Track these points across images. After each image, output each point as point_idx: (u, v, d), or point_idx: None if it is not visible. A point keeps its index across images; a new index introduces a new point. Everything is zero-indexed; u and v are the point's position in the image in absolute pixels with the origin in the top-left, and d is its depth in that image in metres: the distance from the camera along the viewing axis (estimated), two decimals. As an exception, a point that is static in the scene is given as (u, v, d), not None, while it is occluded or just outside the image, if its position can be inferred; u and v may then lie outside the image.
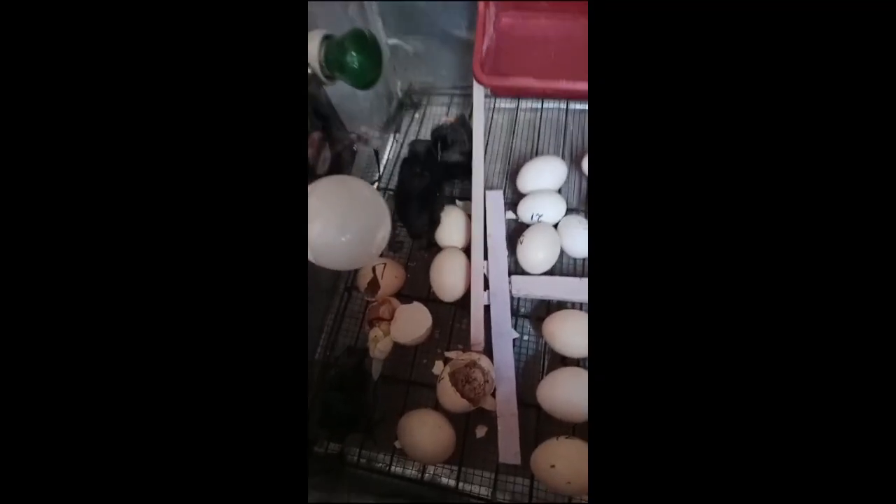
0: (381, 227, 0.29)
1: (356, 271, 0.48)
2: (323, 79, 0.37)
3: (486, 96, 0.54)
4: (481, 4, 0.46)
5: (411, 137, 0.59)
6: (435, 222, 0.47)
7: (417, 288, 0.48)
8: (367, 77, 0.37)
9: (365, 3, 0.50)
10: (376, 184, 0.55)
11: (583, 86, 0.44)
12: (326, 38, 0.36)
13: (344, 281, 0.50)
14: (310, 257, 0.28)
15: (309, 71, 0.36)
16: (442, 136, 0.50)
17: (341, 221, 0.28)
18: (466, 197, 0.49)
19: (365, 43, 0.36)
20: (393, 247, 0.52)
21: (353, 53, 0.35)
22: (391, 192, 0.53)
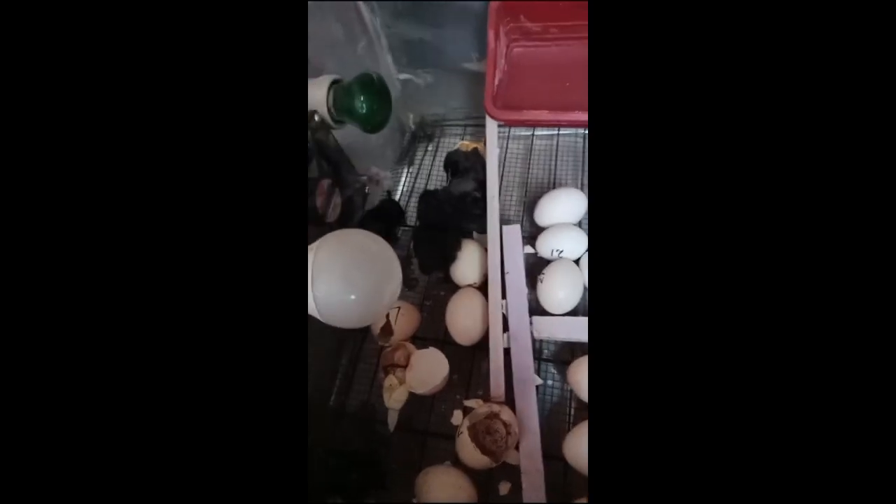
0: (391, 282, 0.28)
1: (370, 314, 0.46)
2: (332, 124, 0.36)
3: (499, 126, 0.53)
4: (491, 36, 0.44)
5: (425, 170, 0.58)
6: (448, 258, 0.46)
7: (433, 329, 0.46)
8: (375, 120, 0.36)
9: (374, 39, 0.50)
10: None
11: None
12: (334, 83, 0.35)
13: (358, 322, 0.49)
14: (317, 317, 0.27)
15: (317, 117, 0.35)
16: (454, 162, 0.49)
17: (347, 280, 0.26)
18: (484, 230, 0.47)
19: (373, 86, 0.35)
20: (408, 283, 0.50)
21: (362, 98, 0.35)
22: (407, 228, 0.52)
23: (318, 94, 0.35)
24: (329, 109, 0.35)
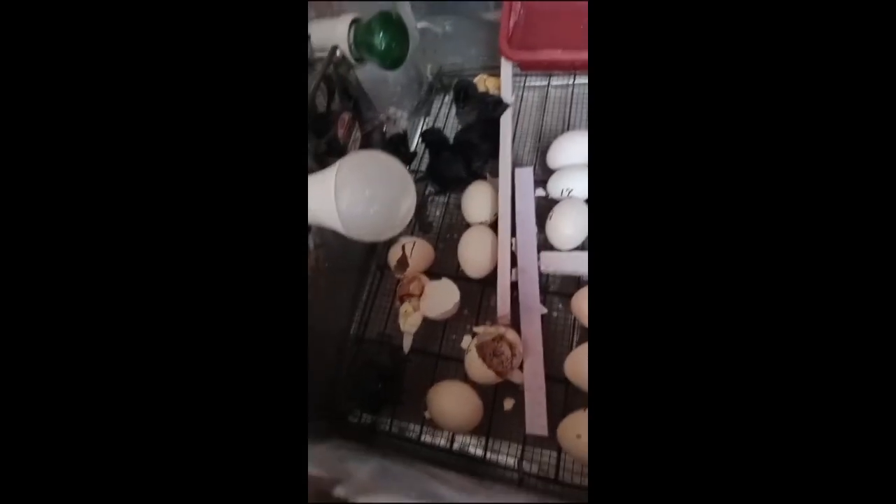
0: (407, 198, 0.30)
1: (387, 250, 0.49)
2: (352, 61, 0.38)
3: (515, 74, 0.54)
4: (508, -21, 0.45)
5: (441, 120, 0.60)
6: (475, 173, 0.48)
7: (446, 267, 0.49)
8: (393, 56, 0.38)
9: (393, -14, 0.51)
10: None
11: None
12: (355, 21, 0.37)
13: (375, 259, 0.52)
14: (340, 229, 0.30)
15: (339, 53, 0.37)
16: (463, 89, 0.50)
17: (370, 193, 0.29)
18: (496, 173, 0.49)
19: (391, 23, 0.37)
20: (423, 227, 0.53)
21: (380, 34, 0.36)
22: (422, 173, 0.54)
23: (339, 31, 0.37)
24: (350, 46, 0.37)
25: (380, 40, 0.37)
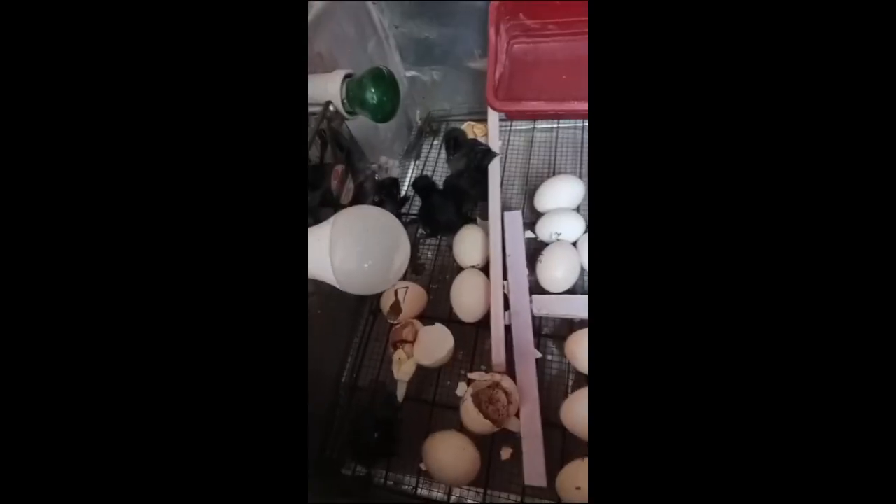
0: (400, 253, 0.31)
1: (379, 295, 0.49)
2: (345, 115, 0.39)
3: (501, 119, 0.56)
4: (492, 33, 0.47)
5: (431, 163, 0.61)
6: (465, 217, 0.49)
7: (439, 310, 0.49)
8: (385, 111, 0.39)
9: (383, 38, 0.53)
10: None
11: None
12: (347, 76, 0.39)
13: (368, 305, 0.52)
14: (334, 283, 0.30)
15: (332, 108, 0.38)
16: (454, 138, 0.52)
17: (362, 249, 0.29)
18: (486, 216, 0.50)
19: (382, 79, 0.38)
20: (416, 269, 0.53)
21: (372, 90, 0.38)
22: (413, 217, 0.55)
23: (332, 87, 0.38)
24: (342, 101, 0.38)
25: (371, 95, 0.38)
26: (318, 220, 0.33)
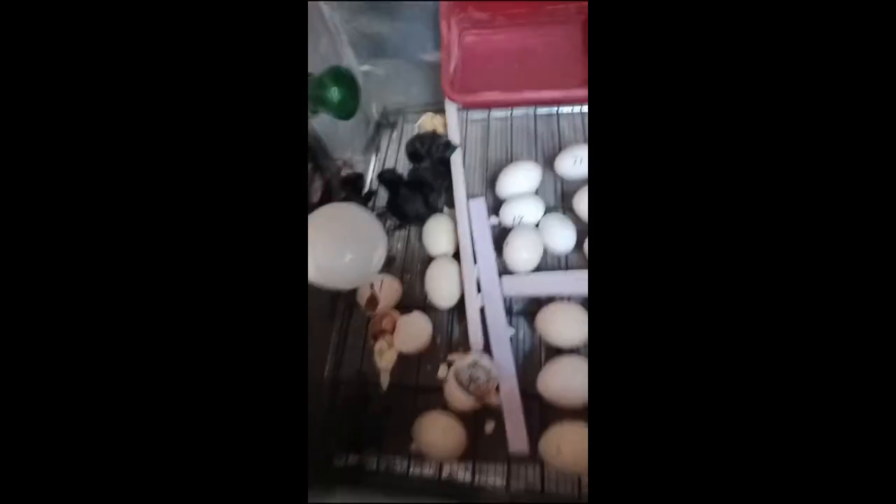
0: (379, 247, 0.32)
1: (354, 290, 0.50)
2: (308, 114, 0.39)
3: (458, 110, 0.57)
4: (443, 27, 0.49)
5: (392, 155, 0.62)
6: (433, 207, 0.50)
7: (414, 298, 0.50)
8: (347, 108, 0.39)
9: (335, 35, 0.53)
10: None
11: (546, 94, 0.47)
12: (307, 76, 0.39)
13: (344, 300, 0.53)
14: (315, 280, 0.31)
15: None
16: (414, 150, 0.53)
17: (342, 244, 0.31)
18: (451, 205, 0.52)
19: (343, 78, 0.39)
20: (387, 261, 0.54)
21: (334, 88, 0.38)
22: (381, 209, 0.55)
23: (292, 87, 0.38)
24: (304, 100, 0.39)
25: (333, 94, 0.38)
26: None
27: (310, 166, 0.39)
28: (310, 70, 0.40)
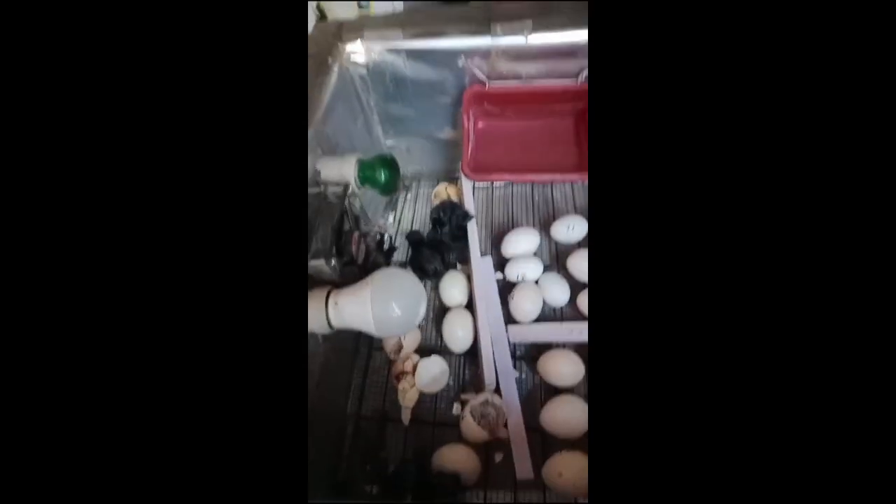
0: (421, 304, 0.40)
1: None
2: (357, 191, 0.48)
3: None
4: (465, 118, 0.60)
5: (408, 215, 0.71)
6: (448, 264, 0.59)
7: (430, 344, 0.58)
8: (391, 187, 0.49)
9: (369, 115, 0.64)
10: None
11: (546, 176, 0.59)
12: (359, 160, 0.48)
13: (366, 343, 0.60)
14: (370, 330, 0.39)
15: (349, 188, 0.47)
16: (436, 218, 0.63)
17: (394, 302, 0.39)
18: (462, 261, 0.61)
19: (388, 161, 0.48)
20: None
21: (381, 170, 0.47)
22: (398, 263, 0.64)
23: (346, 169, 0.47)
24: (355, 180, 0.48)
25: (381, 175, 0.47)
26: (344, 280, 0.41)
27: (357, 233, 0.47)
28: (351, 144, 0.49)
